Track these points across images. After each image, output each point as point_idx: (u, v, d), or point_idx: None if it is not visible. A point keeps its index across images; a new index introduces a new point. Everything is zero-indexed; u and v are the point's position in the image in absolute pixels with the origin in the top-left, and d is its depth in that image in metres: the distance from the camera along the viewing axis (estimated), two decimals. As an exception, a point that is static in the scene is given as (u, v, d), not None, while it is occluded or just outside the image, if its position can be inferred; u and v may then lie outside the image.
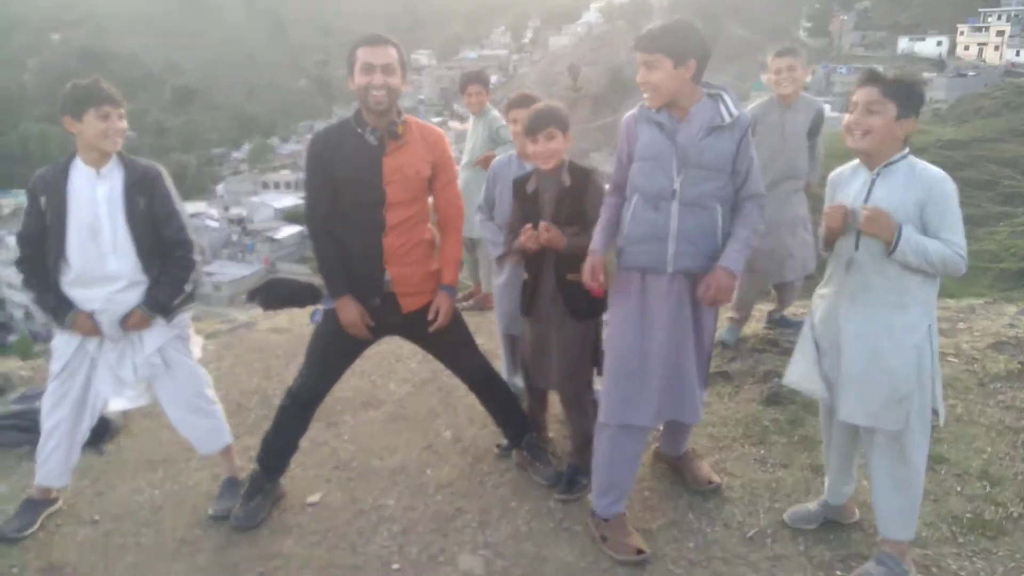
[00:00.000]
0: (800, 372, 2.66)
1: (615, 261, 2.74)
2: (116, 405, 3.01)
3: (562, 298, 2.98)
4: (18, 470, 3.43)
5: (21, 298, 40.06)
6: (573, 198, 2.93)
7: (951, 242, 2.30)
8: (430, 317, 2.91)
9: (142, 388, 2.99)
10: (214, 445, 3.12)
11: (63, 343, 2.89)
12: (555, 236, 2.86)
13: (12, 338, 38.26)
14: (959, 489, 3.01)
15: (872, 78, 2.39)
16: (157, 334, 2.92)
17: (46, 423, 2.94)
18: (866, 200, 2.41)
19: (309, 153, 2.87)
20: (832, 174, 2.61)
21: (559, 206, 2.93)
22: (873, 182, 2.42)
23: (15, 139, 75.01)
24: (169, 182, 2.89)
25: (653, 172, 2.57)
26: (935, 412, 2.47)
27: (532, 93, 3.50)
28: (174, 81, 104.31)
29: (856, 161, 2.53)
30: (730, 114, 2.55)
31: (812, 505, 2.86)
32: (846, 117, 2.44)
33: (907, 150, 2.41)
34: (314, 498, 3.16)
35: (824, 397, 2.61)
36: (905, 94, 2.35)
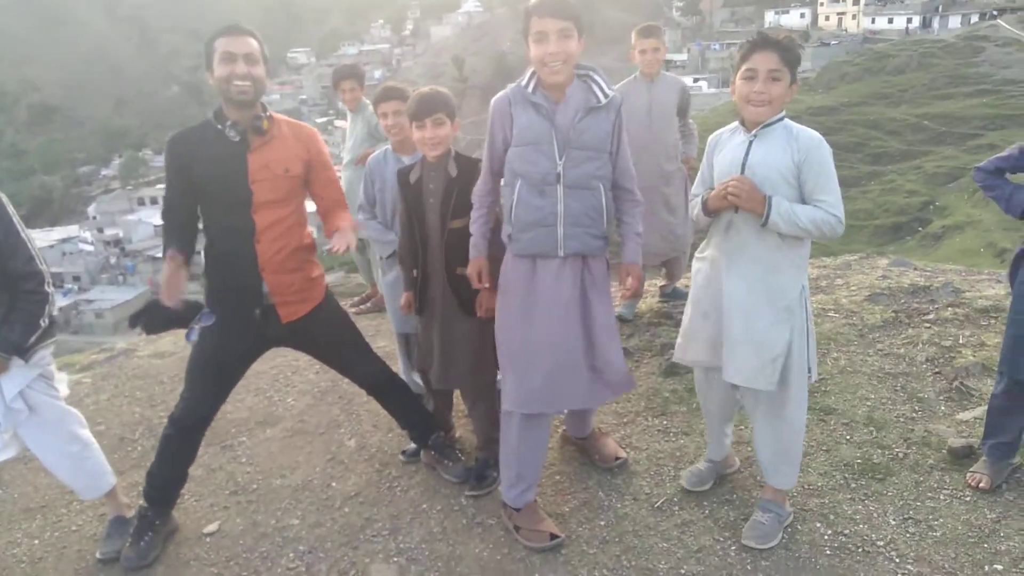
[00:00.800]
0: (685, 346, 2.71)
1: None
2: None
3: (452, 293, 2.92)
4: None
5: None
6: (461, 189, 2.86)
7: (826, 203, 2.36)
8: (334, 246, 2.64)
9: (6, 438, 2.70)
10: (97, 489, 2.89)
11: None
12: (493, 302, 2.79)
13: None
14: (848, 437, 3.16)
15: (769, 43, 2.37)
16: (16, 377, 2.64)
17: None
18: (744, 161, 2.45)
19: (167, 156, 2.67)
20: (711, 137, 2.65)
21: (447, 197, 2.85)
22: (751, 143, 2.46)
23: None
24: (11, 209, 2.59)
25: (535, 156, 2.51)
26: (809, 370, 2.57)
27: (399, 84, 3.41)
28: (30, 99, 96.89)
29: (734, 123, 2.57)
30: (604, 94, 2.53)
31: (700, 465, 2.95)
32: (740, 85, 2.42)
33: (783, 112, 2.46)
34: (212, 527, 2.98)
35: (713, 365, 2.65)
36: (795, 60, 2.40)
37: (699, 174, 2.68)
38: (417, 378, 3.45)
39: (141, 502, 2.87)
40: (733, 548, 2.61)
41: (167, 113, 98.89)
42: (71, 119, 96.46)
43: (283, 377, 4.34)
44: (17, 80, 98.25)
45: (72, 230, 53.81)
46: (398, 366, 3.64)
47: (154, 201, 59.80)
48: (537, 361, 2.61)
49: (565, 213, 2.53)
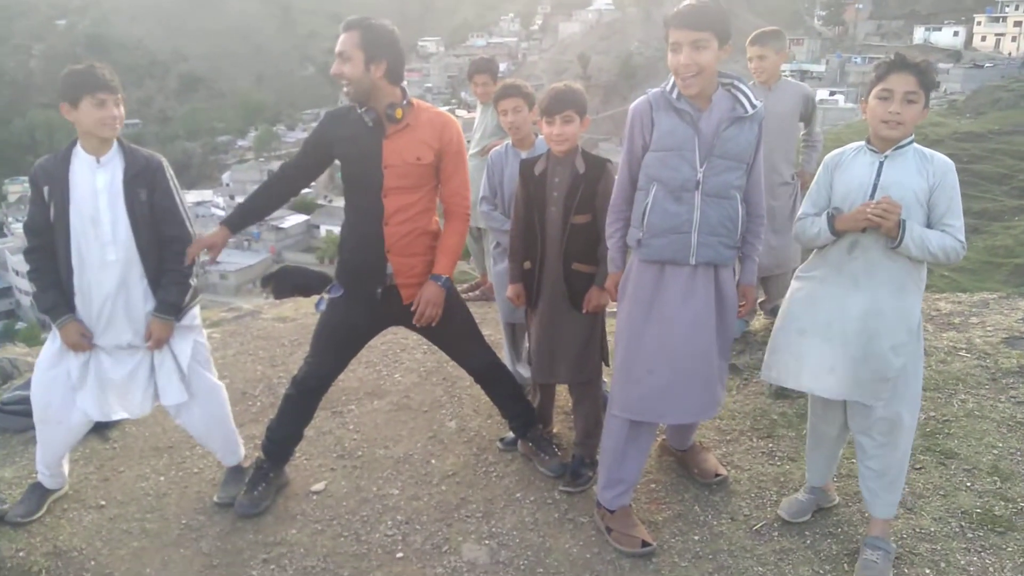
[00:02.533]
0: (778, 366, 2.64)
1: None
2: (113, 416, 2.93)
3: (566, 288, 2.95)
4: (24, 455, 3.43)
5: (28, 286, 40.26)
6: (587, 185, 2.88)
7: (954, 227, 2.36)
8: (413, 308, 2.81)
9: (140, 399, 2.91)
10: (235, 457, 3.16)
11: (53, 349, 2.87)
12: (602, 303, 2.93)
13: (20, 325, 38.46)
14: (969, 484, 2.98)
15: (909, 66, 2.34)
16: (183, 343, 2.91)
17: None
18: (876, 182, 2.40)
19: (318, 124, 2.89)
20: (829, 156, 2.58)
21: (572, 192, 2.88)
22: (882, 164, 2.41)
23: (22, 126, 75.20)
24: (171, 173, 2.83)
25: (676, 162, 2.48)
26: None
27: (518, 82, 3.46)
28: (179, 68, 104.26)
29: (858, 143, 2.51)
30: (752, 105, 2.50)
31: (800, 495, 2.86)
32: (874, 104, 2.39)
33: (912, 135, 2.43)
34: (318, 486, 3.15)
35: (808, 389, 2.59)
36: (932, 84, 2.37)
37: (811, 192, 2.60)
38: (522, 369, 3.51)
39: (258, 454, 3.08)
40: (833, 582, 2.52)
41: (302, 92, 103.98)
42: (214, 90, 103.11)
43: (392, 353, 4.50)
44: (169, 50, 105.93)
45: (207, 194, 57.55)
46: (503, 355, 3.71)
47: (282, 174, 62.95)
48: (655, 370, 2.59)
49: (701, 221, 2.50)
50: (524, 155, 3.28)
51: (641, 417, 2.64)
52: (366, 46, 2.66)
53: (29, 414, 3.43)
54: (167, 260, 2.82)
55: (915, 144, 2.43)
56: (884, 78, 2.37)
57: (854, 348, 2.45)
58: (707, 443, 3.29)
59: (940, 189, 2.37)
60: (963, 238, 2.37)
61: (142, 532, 2.91)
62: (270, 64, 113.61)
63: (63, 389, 2.84)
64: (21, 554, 2.76)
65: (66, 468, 3.08)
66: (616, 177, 2.69)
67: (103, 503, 3.09)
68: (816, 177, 2.59)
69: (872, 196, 2.40)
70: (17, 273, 43.97)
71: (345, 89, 2.71)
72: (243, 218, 2.90)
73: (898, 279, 2.42)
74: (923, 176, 2.38)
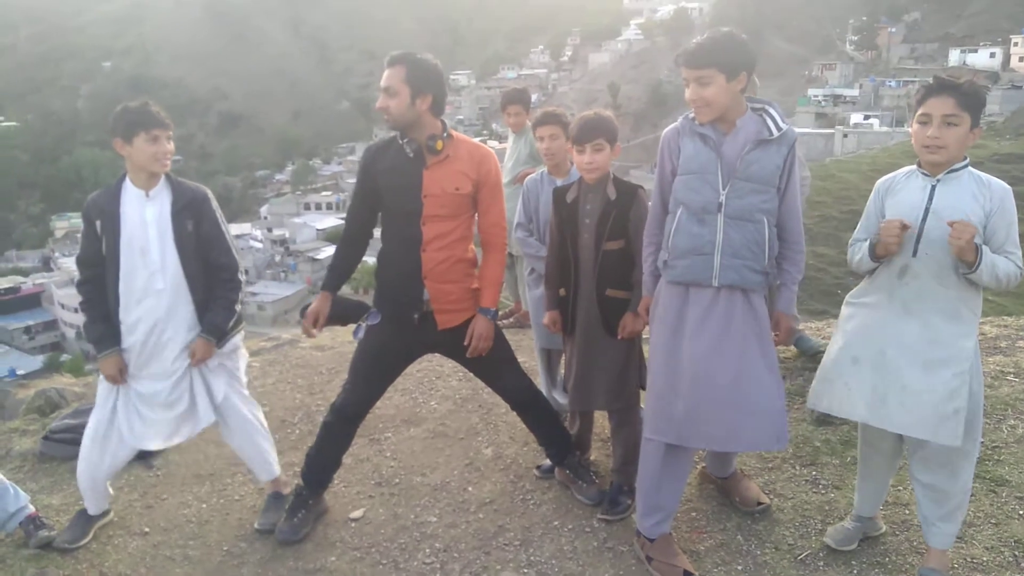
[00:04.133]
0: (829, 395, 2.58)
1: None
2: (150, 445, 3.01)
3: (600, 314, 2.95)
4: (71, 482, 3.50)
5: (74, 318, 41.36)
6: (619, 212, 2.90)
7: (1015, 255, 2.30)
8: (466, 342, 2.89)
9: (174, 428, 2.98)
10: (271, 473, 3.21)
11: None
12: (637, 329, 2.92)
13: (65, 357, 39.46)
14: (1022, 512, 2.88)
15: (946, 87, 2.31)
16: (221, 378, 3.00)
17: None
18: (928, 206, 2.37)
19: (360, 163, 2.97)
20: (880, 181, 2.56)
21: (603, 219, 2.90)
22: (934, 188, 2.37)
23: (69, 164, 77.93)
24: (216, 204, 2.95)
25: (698, 185, 2.53)
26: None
27: (558, 110, 3.51)
28: (219, 106, 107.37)
29: (908, 167, 2.48)
30: (777, 128, 2.51)
31: (847, 523, 2.78)
32: (916, 130, 2.38)
33: (967, 159, 2.37)
34: (357, 514, 3.17)
35: (861, 419, 2.52)
36: (977, 104, 2.31)
37: (863, 218, 2.57)
38: (558, 395, 3.50)
39: (298, 481, 3.11)
40: (882, 614, 2.44)
41: (337, 126, 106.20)
42: (252, 126, 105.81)
43: (428, 381, 4.53)
44: (209, 89, 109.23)
45: (245, 227, 58.81)
46: (538, 382, 3.71)
47: (319, 207, 64.28)
48: (679, 392, 2.57)
49: (724, 243, 2.51)
50: (559, 182, 3.31)
51: (666, 438, 2.62)
52: (412, 80, 2.73)
53: (77, 443, 3.52)
54: (216, 287, 2.92)
55: (970, 168, 2.37)
56: (923, 102, 2.35)
57: (910, 378, 2.39)
58: (749, 471, 3.24)
59: (999, 215, 2.31)
60: (1022, 264, 2.32)
61: (185, 559, 2.94)
62: (306, 100, 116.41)
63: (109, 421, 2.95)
64: (68, 580, 2.82)
65: (109, 494, 3.14)
66: (649, 203, 2.71)
67: (147, 530, 3.14)
68: (868, 203, 2.57)
69: (924, 221, 2.37)
70: (63, 307, 45.22)
71: (388, 122, 2.79)
72: (339, 279, 3.04)
73: (951, 305, 2.37)
74: (978, 200, 2.32)
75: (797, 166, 2.59)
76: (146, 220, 2.81)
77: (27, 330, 47.05)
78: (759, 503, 2.97)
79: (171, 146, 2.85)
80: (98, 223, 2.83)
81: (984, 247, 2.28)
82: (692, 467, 2.92)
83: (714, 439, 2.61)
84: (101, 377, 2.97)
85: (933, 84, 2.35)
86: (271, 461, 3.19)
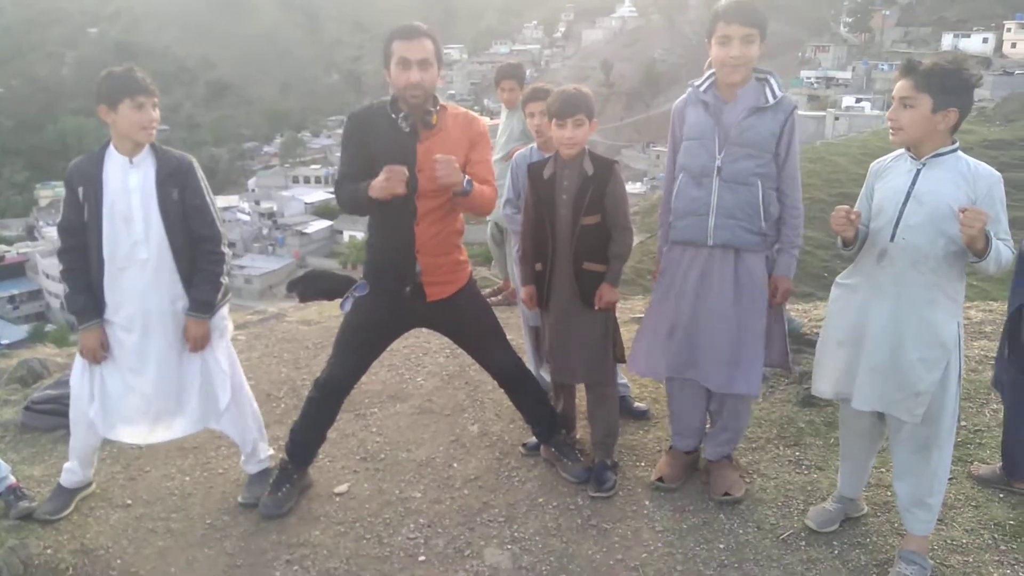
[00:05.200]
0: (828, 379, 2.62)
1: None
2: (131, 439, 2.98)
3: (578, 288, 2.95)
4: (53, 453, 3.48)
5: (58, 288, 40.99)
6: (596, 187, 2.90)
7: (1008, 241, 2.29)
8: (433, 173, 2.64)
9: (153, 425, 2.94)
10: (260, 465, 3.17)
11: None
12: (613, 299, 2.97)
13: (49, 327, 39.17)
14: (1002, 495, 2.91)
15: (906, 70, 2.33)
16: (223, 384, 2.97)
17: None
18: (910, 190, 2.36)
19: (346, 129, 2.88)
20: (873, 164, 2.59)
21: (581, 194, 2.89)
22: (919, 172, 2.36)
23: (53, 132, 76.74)
24: (201, 174, 2.88)
25: (697, 150, 2.70)
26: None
27: (548, 86, 3.49)
28: (207, 76, 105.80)
29: (899, 151, 2.47)
30: (774, 95, 2.64)
31: (828, 504, 2.81)
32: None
33: (956, 144, 2.35)
34: (341, 488, 3.16)
35: (824, 394, 2.65)
36: (940, 85, 2.26)
37: (858, 201, 2.58)
38: (545, 374, 3.50)
39: (282, 455, 3.09)
40: (862, 594, 2.47)
41: (326, 99, 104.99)
42: (241, 97, 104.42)
43: (415, 357, 4.51)
44: (197, 57, 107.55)
45: (232, 200, 58.25)
46: (526, 360, 3.70)
47: (307, 180, 63.72)
48: (673, 334, 2.82)
49: (718, 204, 2.68)
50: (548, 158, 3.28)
51: (667, 373, 2.91)
52: (439, 54, 2.74)
53: (58, 413, 3.50)
54: (200, 259, 2.85)
55: (959, 153, 2.35)
56: (895, 84, 2.39)
57: (877, 357, 2.42)
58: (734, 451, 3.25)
59: (986, 202, 2.27)
60: (1014, 248, 2.33)
61: (167, 531, 2.93)
62: (296, 71, 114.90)
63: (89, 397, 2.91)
64: (49, 551, 2.79)
65: (93, 467, 3.12)
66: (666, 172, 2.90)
67: (129, 502, 3.12)
68: (864, 187, 2.58)
69: (904, 205, 2.37)
70: (47, 276, 44.82)
71: (415, 99, 2.69)
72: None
73: (926, 292, 2.36)
74: (963, 187, 2.29)
75: (798, 134, 2.67)
76: (129, 187, 2.75)
77: (11, 299, 46.63)
78: (726, 494, 2.92)
79: (156, 114, 2.77)
80: (80, 189, 2.76)
81: (995, 239, 2.23)
82: (707, 397, 2.99)
83: (710, 377, 2.83)
84: (77, 358, 2.92)
85: (900, 66, 2.39)
86: (260, 455, 3.15)
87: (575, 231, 2.91)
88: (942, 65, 2.29)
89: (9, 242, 54.45)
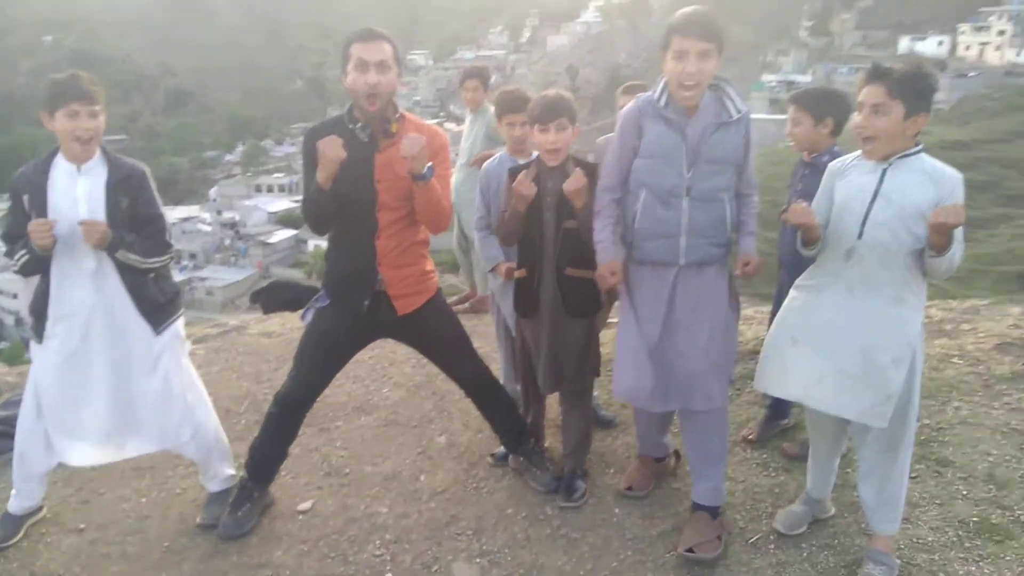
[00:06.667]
0: (768, 375, 2.63)
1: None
2: (81, 460, 2.88)
3: (561, 295, 2.90)
4: (2, 478, 3.34)
5: (12, 304, 39.87)
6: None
7: (961, 244, 2.29)
8: (402, 154, 2.55)
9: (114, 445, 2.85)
10: (225, 483, 3.08)
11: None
12: (580, 189, 2.73)
13: (2, 345, 38.04)
14: (965, 493, 2.94)
15: (877, 75, 2.31)
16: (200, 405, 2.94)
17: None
18: (877, 189, 2.36)
19: (304, 147, 2.77)
20: (833, 163, 2.58)
21: (564, 198, 2.82)
22: (884, 172, 2.37)
23: (7, 143, 74.65)
24: (153, 183, 2.79)
25: (664, 169, 2.56)
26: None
27: (523, 92, 3.39)
28: (167, 83, 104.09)
29: (859, 152, 2.48)
30: (737, 109, 2.55)
31: (796, 507, 2.82)
32: (854, 117, 2.39)
33: (921, 145, 2.37)
34: (305, 506, 3.08)
35: (796, 398, 2.59)
36: (913, 90, 2.28)
37: (815, 200, 2.58)
38: (517, 386, 3.43)
39: (242, 474, 3.00)
40: (831, 596, 2.47)
41: (290, 106, 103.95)
42: (202, 105, 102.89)
43: (380, 368, 4.44)
44: (156, 65, 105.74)
45: (193, 210, 57.17)
46: (495, 369, 3.64)
47: (270, 189, 62.83)
48: (645, 359, 2.67)
49: (689, 224, 2.57)
50: (522, 162, 3.22)
51: (633, 401, 2.82)
52: (398, 59, 2.68)
53: (6, 436, 3.36)
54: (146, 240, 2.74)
55: (923, 155, 2.36)
56: (861, 90, 2.36)
57: (847, 360, 2.41)
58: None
59: (950, 203, 2.26)
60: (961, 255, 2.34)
61: (122, 556, 2.82)
62: (258, 78, 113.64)
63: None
64: (-4, 581, 2.68)
65: (43, 491, 2.99)
66: (602, 177, 2.70)
67: (82, 526, 3.00)
68: (821, 185, 2.58)
69: (872, 203, 2.37)
70: (1, 293, 43.51)
71: (371, 106, 2.61)
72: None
73: (895, 290, 2.38)
74: (929, 188, 2.30)
75: (751, 142, 2.63)
76: (76, 196, 2.65)
77: (-36, 316, 45.17)
78: (689, 550, 2.63)
79: (95, 122, 2.64)
80: (25, 197, 2.66)
81: (959, 235, 2.25)
82: (670, 420, 3.04)
83: (673, 400, 2.71)
84: (29, 375, 2.81)
85: (867, 72, 2.36)
86: (222, 475, 3.07)
87: (558, 236, 2.87)
88: (913, 71, 2.30)
89: (-38, 256, 52.88)
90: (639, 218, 2.61)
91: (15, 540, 2.87)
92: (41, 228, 2.54)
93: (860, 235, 2.38)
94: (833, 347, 2.44)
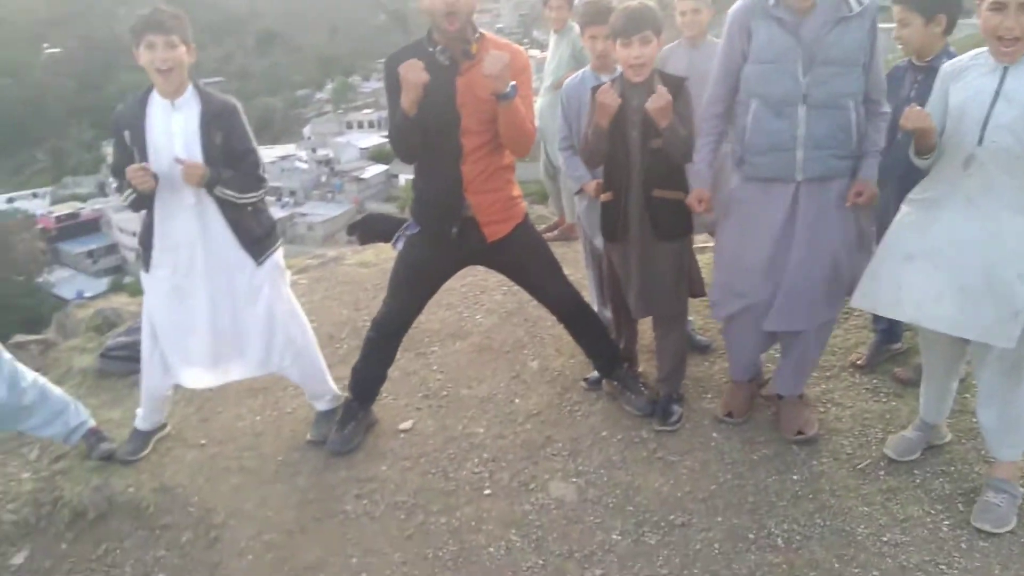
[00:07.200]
0: (875, 294, 2.44)
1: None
2: (193, 382, 3.03)
3: (649, 218, 2.80)
4: (130, 398, 3.59)
5: (132, 242, 42.59)
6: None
7: None
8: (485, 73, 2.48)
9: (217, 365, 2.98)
10: (335, 400, 3.21)
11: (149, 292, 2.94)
12: (665, 107, 2.57)
13: (128, 279, 40.87)
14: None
15: None
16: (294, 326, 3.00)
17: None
18: (999, 89, 2.15)
19: (386, 76, 2.73)
20: (946, 65, 2.35)
21: (650, 119, 2.70)
22: (1006, 71, 2.15)
23: (114, 90, 78.35)
24: (245, 119, 2.82)
25: (776, 75, 2.35)
26: None
27: (608, 5, 3.21)
28: (256, 24, 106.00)
29: (978, 50, 2.25)
30: (859, 1, 2.29)
31: (909, 432, 2.69)
32: (987, 17, 2.14)
33: None
34: (406, 425, 3.19)
35: (910, 319, 2.40)
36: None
37: (927, 107, 2.35)
38: (608, 312, 3.40)
39: (346, 394, 3.12)
40: (946, 523, 2.38)
41: (374, 40, 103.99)
42: (290, 45, 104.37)
43: (472, 295, 4.48)
44: (244, 6, 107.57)
45: (290, 148, 58.81)
46: (586, 295, 3.61)
47: (361, 125, 63.68)
48: (757, 287, 2.56)
49: (807, 135, 2.35)
50: (605, 78, 3.09)
51: (732, 311, 2.72)
52: None
53: (132, 359, 3.59)
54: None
55: None
56: None
57: (970, 277, 2.22)
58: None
59: None
60: None
61: (240, 469, 3.01)
62: (342, 15, 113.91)
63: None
64: (131, 490, 2.91)
65: (166, 410, 3.21)
66: (710, 86, 2.51)
67: (203, 442, 3.22)
68: (934, 90, 2.35)
69: (993, 105, 2.16)
70: (121, 231, 46.49)
71: (450, 24, 2.53)
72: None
73: (1020, 198, 2.17)
74: None
75: (879, 36, 2.38)
76: (172, 131, 2.71)
77: (90, 254, 48.68)
78: (799, 432, 2.78)
79: (173, 52, 2.64)
80: (126, 133, 2.74)
81: None
82: (772, 339, 2.86)
83: (796, 321, 2.61)
84: (144, 306, 2.98)
85: None
86: (326, 396, 3.19)
87: (644, 156, 2.76)
88: None
89: (83, 199, 56.53)
90: (750, 131, 2.42)
91: (144, 453, 3.10)
92: (139, 174, 2.61)
93: (980, 141, 2.18)
94: (953, 263, 2.25)
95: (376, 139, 55.15)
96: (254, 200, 2.83)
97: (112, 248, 50.20)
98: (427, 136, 2.70)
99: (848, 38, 2.32)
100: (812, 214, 2.43)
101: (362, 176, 51.04)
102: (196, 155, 2.70)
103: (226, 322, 2.88)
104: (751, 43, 2.38)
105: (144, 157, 2.71)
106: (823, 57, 2.31)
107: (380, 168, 51.08)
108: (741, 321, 2.75)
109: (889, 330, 3.14)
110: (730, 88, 2.48)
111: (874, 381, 3.12)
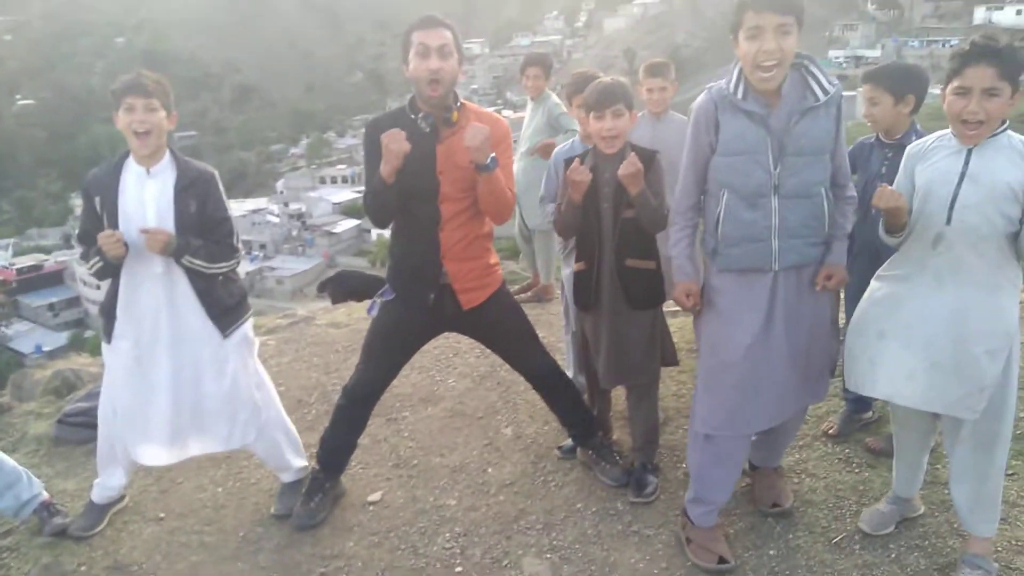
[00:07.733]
0: (855, 373, 2.45)
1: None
2: (151, 460, 2.91)
3: (622, 287, 2.82)
4: (86, 467, 3.46)
5: (96, 295, 41.79)
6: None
7: None
8: (465, 144, 2.52)
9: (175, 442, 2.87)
10: (296, 475, 3.11)
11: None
12: (636, 173, 2.60)
13: (89, 333, 39.95)
14: (1069, 492, 2.75)
15: (986, 55, 2.09)
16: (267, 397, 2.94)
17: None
18: (964, 171, 2.20)
19: (366, 140, 2.75)
20: (911, 146, 2.41)
21: (622, 188, 2.73)
22: (970, 152, 2.21)
23: (86, 142, 77.99)
24: (221, 187, 2.80)
25: (747, 167, 2.31)
26: None
27: (593, 71, 3.30)
28: (233, 80, 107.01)
29: (941, 132, 2.32)
30: (824, 90, 2.29)
31: (882, 506, 2.67)
32: (951, 101, 2.18)
33: (1006, 121, 2.20)
34: (375, 497, 3.10)
35: (884, 396, 2.41)
36: (1018, 70, 2.11)
37: (894, 186, 2.40)
38: (582, 378, 3.38)
39: (313, 464, 3.03)
40: (923, 601, 2.34)
41: (350, 98, 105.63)
42: (266, 100, 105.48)
43: (445, 358, 4.44)
44: (221, 62, 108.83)
45: (262, 202, 58.91)
46: (561, 360, 3.59)
47: (334, 180, 64.17)
48: (740, 384, 2.43)
49: (780, 225, 2.33)
50: None
51: (727, 431, 2.50)
52: (459, 46, 2.63)
53: (90, 426, 3.47)
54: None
55: (1009, 132, 2.20)
56: (960, 72, 2.14)
57: (939, 353, 2.25)
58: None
59: None
60: None
61: (200, 545, 2.89)
62: (319, 73, 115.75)
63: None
64: (83, 568, 2.77)
65: (126, 480, 3.08)
66: (680, 180, 2.52)
67: (162, 515, 3.09)
68: (901, 169, 2.41)
69: (959, 185, 2.21)
70: (85, 283, 45.69)
71: (433, 92, 2.58)
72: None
73: (988, 277, 2.22)
74: (1018, 164, 2.15)
75: (843, 122, 2.40)
76: (145, 199, 2.67)
77: (51, 307, 47.66)
78: (774, 505, 2.75)
79: (152, 116, 2.62)
80: (97, 199, 2.70)
81: None
82: (744, 458, 2.74)
83: (778, 416, 2.53)
84: (104, 374, 2.89)
85: (971, 51, 2.12)
86: (292, 465, 3.10)
87: (616, 226, 2.79)
88: (1011, 47, 2.12)
89: (47, 251, 55.58)
90: (723, 222, 2.37)
91: (99, 529, 2.96)
92: (110, 240, 2.57)
93: (949, 220, 2.22)
94: (924, 340, 2.28)
95: (349, 194, 55.54)
96: (224, 270, 2.78)
97: (74, 301, 49.28)
98: (406, 203, 2.70)
99: (817, 127, 2.31)
100: (792, 302, 2.41)
101: (334, 230, 51.15)
102: (168, 224, 2.66)
103: (187, 396, 2.79)
104: (719, 136, 2.34)
105: (114, 224, 2.66)
106: (793, 148, 2.28)
107: (352, 223, 51.25)
108: (722, 438, 2.54)
109: (860, 399, 3.15)
110: (699, 179, 2.45)
111: (846, 451, 3.11)
